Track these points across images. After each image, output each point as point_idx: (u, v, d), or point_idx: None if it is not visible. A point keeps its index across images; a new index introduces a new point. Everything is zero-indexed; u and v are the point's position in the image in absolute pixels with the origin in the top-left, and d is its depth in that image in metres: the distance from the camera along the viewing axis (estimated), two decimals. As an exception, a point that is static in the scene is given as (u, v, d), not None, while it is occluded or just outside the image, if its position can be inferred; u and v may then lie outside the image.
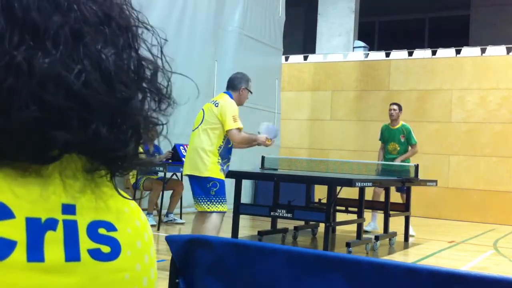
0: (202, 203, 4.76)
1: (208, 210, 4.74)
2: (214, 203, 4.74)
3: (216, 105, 4.82)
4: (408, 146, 8.45)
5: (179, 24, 9.05)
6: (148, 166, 0.72)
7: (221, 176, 4.82)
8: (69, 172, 0.64)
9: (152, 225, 7.60)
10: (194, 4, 9.37)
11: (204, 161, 4.72)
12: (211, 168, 4.75)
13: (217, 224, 4.79)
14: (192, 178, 4.81)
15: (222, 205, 4.79)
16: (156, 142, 5.91)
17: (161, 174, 7.84)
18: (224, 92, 5.05)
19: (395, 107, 8.42)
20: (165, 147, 8.12)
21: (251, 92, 5.13)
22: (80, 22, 0.61)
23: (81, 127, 0.60)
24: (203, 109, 4.93)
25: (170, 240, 1.51)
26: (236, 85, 5.01)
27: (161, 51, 0.70)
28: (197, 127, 4.85)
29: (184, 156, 7.71)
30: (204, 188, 4.73)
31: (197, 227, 4.99)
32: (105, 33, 0.63)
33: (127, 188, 8.00)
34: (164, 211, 7.91)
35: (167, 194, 7.96)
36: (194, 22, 9.37)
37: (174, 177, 8.05)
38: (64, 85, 0.58)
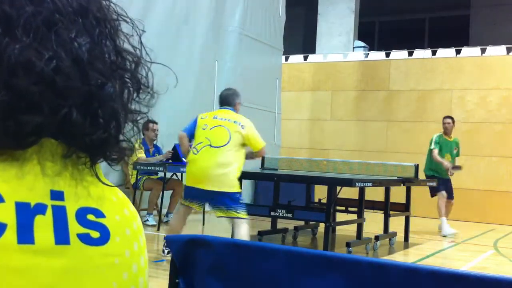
0: (233, 211, 5.04)
1: (241, 216, 5.06)
2: (244, 210, 5.10)
3: (243, 127, 5.06)
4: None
5: (180, 24, 9.05)
6: (128, 154, 0.73)
7: None
8: (48, 156, 0.65)
9: (152, 225, 7.60)
10: (195, 4, 9.37)
11: (230, 178, 5.02)
12: (238, 183, 5.15)
13: (248, 230, 5.17)
14: (220, 193, 5.01)
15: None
16: (156, 142, 5.88)
17: (161, 174, 7.84)
18: (229, 109, 5.23)
19: (449, 120, 8.70)
20: (165, 147, 8.11)
21: (241, 104, 5.50)
22: (53, 12, 0.63)
23: (53, 111, 0.62)
24: (227, 129, 5.05)
25: (170, 240, 1.51)
26: (231, 102, 5.27)
27: (141, 42, 0.72)
28: (223, 146, 5.00)
29: (184, 157, 7.71)
30: (235, 199, 5.07)
31: (179, 224, 5.25)
32: (79, 23, 0.65)
33: (127, 188, 7.99)
34: (164, 211, 7.91)
35: (167, 194, 7.96)
36: (195, 22, 9.38)
37: (174, 177, 8.05)
38: (34, 71, 0.60)
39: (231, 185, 5.03)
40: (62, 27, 0.63)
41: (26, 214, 0.60)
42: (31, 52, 0.60)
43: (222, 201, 5.02)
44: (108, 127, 0.68)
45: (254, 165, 8.76)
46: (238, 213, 5.03)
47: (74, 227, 0.65)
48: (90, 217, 0.67)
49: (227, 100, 5.28)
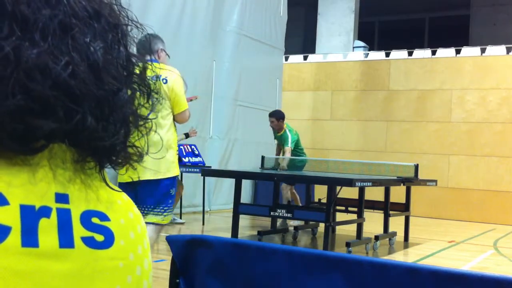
0: (159, 213, 3.74)
1: (162, 222, 3.75)
2: (171, 209, 3.81)
3: (165, 81, 3.69)
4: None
5: (177, 24, 9.05)
6: (137, 160, 0.73)
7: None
8: (59, 162, 0.65)
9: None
10: (193, 4, 9.37)
11: (167, 157, 3.71)
12: (176, 164, 3.83)
13: (156, 238, 3.84)
14: (150, 183, 3.68)
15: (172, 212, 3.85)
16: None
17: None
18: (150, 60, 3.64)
19: (271, 119, 8.16)
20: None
21: (168, 56, 3.99)
22: (69, 15, 0.63)
23: (67, 117, 0.62)
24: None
25: (170, 240, 1.51)
26: (152, 48, 3.72)
27: (149, 49, 0.72)
28: (157, 116, 3.63)
29: (184, 156, 7.71)
30: (166, 192, 3.75)
31: None
32: (94, 27, 0.65)
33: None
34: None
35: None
36: (193, 22, 9.38)
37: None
38: (51, 76, 0.60)
39: (168, 167, 3.72)
40: (78, 32, 0.63)
41: (30, 217, 0.60)
42: (49, 56, 0.60)
43: (147, 194, 3.68)
44: (118, 133, 0.68)
45: (254, 165, 8.75)
46: (164, 215, 3.72)
47: (79, 231, 0.64)
48: (95, 220, 0.67)
49: (144, 46, 3.38)
